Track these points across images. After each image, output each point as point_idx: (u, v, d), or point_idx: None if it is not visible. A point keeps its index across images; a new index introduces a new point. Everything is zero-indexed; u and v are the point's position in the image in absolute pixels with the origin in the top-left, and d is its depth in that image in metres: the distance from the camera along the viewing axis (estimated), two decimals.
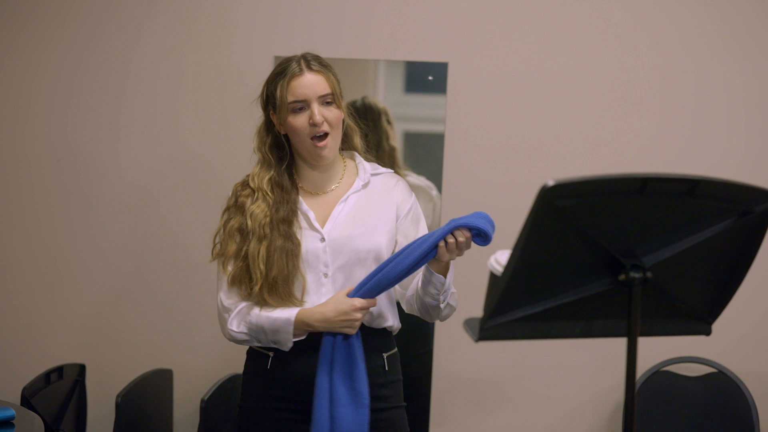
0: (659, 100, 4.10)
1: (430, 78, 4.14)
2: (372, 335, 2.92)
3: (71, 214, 4.27)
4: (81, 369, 4.12)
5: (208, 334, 4.21)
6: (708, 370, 4.03)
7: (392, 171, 3.10)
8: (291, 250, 2.87)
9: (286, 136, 2.97)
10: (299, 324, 2.82)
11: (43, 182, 4.27)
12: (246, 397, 3.00)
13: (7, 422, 2.83)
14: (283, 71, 2.95)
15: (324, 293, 2.89)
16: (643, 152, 4.10)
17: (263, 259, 2.84)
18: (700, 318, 2.04)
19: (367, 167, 3.03)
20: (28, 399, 3.68)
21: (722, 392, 3.99)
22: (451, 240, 2.71)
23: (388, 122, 4.14)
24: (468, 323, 2.02)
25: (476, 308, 2.04)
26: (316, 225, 2.91)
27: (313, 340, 2.85)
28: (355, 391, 2.80)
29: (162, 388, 4.14)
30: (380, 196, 2.99)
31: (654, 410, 4.01)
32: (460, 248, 2.73)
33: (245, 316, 2.88)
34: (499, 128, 4.14)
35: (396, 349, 3.01)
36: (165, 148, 4.25)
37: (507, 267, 1.84)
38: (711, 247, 1.91)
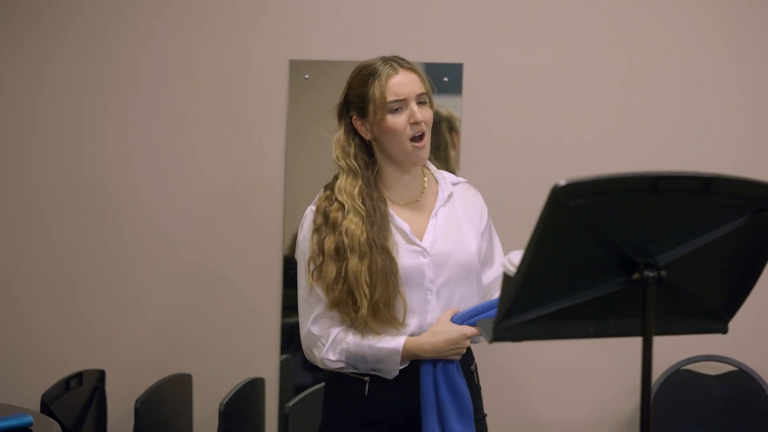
0: (668, 94, 4.10)
1: (446, 79, 4.13)
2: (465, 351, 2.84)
3: (88, 220, 4.28)
4: (100, 375, 4.14)
5: (227, 338, 4.22)
6: (729, 368, 4.01)
7: (466, 180, 3.02)
8: (391, 269, 2.73)
9: (373, 142, 2.84)
10: (406, 354, 2.72)
11: (61, 189, 4.29)
12: (333, 423, 2.87)
13: (26, 428, 2.83)
14: (374, 73, 2.80)
15: (430, 311, 2.78)
16: (658, 146, 4.08)
17: (366, 280, 2.70)
18: (716, 316, 2.02)
19: (446, 177, 2.95)
20: (47, 405, 3.69)
21: (743, 390, 3.97)
22: None
23: (452, 129, 4.11)
24: (482, 324, 2.02)
25: None
26: (415, 239, 2.79)
27: (412, 365, 2.76)
28: (460, 406, 2.74)
29: (181, 393, 4.14)
30: (464, 207, 2.91)
31: (674, 409, 3.99)
32: None
33: (340, 343, 2.76)
34: (515, 128, 4.13)
35: (475, 361, 2.93)
36: (181, 154, 4.25)
37: (520, 267, 1.83)
38: (725, 245, 1.89)
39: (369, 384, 2.79)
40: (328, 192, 2.84)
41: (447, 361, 2.75)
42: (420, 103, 2.79)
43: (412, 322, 2.77)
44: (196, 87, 4.26)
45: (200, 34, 4.26)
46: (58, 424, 2.99)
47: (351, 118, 2.84)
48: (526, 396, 4.13)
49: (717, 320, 2.03)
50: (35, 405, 3.72)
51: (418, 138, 2.78)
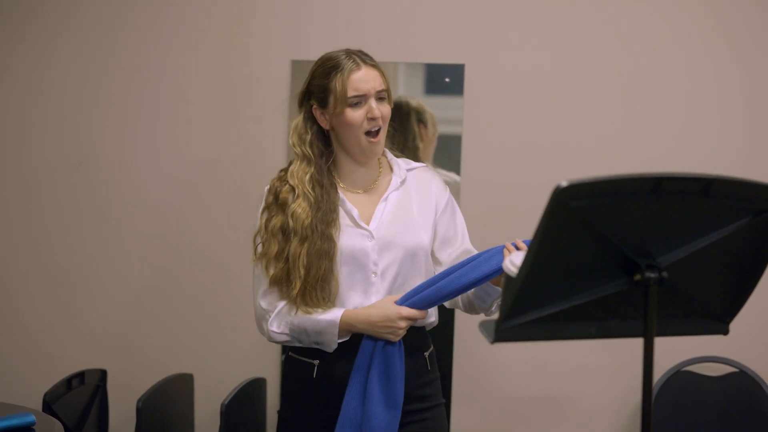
0: (668, 96, 4.10)
1: (447, 80, 4.14)
2: (413, 335, 2.87)
3: (89, 219, 4.29)
4: (102, 374, 4.14)
5: (228, 338, 4.22)
6: (729, 369, 4.01)
7: (425, 165, 3.10)
8: (327, 251, 2.82)
9: (330, 131, 2.92)
10: (344, 325, 2.79)
11: (62, 188, 4.30)
12: (288, 405, 2.96)
13: (28, 428, 2.84)
14: (337, 66, 2.88)
15: (374, 292, 2.85)
16: (658, 148, 4.09)
17: (303, 263, 2.79)
18: (717, 317, 2.03)
19: (400, 163, 3.02)
20: (49, 404, 3.70)
21: (744, 392, 3.97)
22: None
23: (420, 121, 4.13)
24: (484, 325, 2.02)
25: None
26: (362, 223, 2.87)
27: (356, 344, 2.82)
28: (390, 392, 2.77)
29: (182, 393, 4.15)
30: (418, 191, 2.98)
31: (675, 410, 3.99)
32: None
33: (285, 317, 2.84)
34: (516, 129, 4.14)
35: (432, 347, 2.99)
36: (183, 155, 4.26)
37: (522, 268, 1.84)
38: (726, 247, 1.90)
39: (317, 367, 2.86)
40: (282, 173, 2.95)
41: (388, 343, 2.79)
42: (379, 99, 2.88)
43: (354, 302, 2.85)
44: (197, 88, 4.26)
45: (202, 34, 4.26)
46: (60, 424, 3.00)
47: (311, 106, 2.92)
48: (526, 396, 4.14)
49: (718, 321, 2.04)
50: (37, 404, 3.72)
51: (373, 133, 2.86)
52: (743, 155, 4.06)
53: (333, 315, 2.80)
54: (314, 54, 4.15)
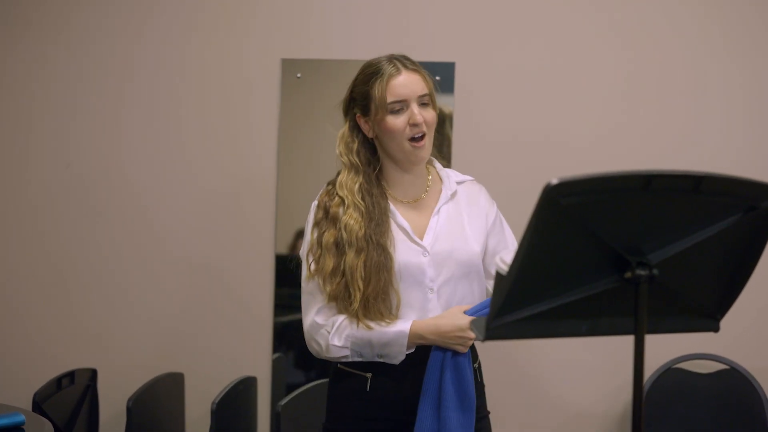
0: (661, 95, 4.10)
1: (438, 78, 4.13)
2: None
3: (80, 219, 4.28)
4: (92, 374, 4.14)
5: (219, 337, 4.22)
6: (720, 366, 4.01)
7: (473, 178, 3.01)
8: (385, 265, 2.74)
9: (375, 140, 2.85)
10: (413, 336, 2.73)
11: (53, 188, 4.29)
12: (336, 419, 2.88)
13: (18, 427, 2.83)
14: (377, 71, 2.80)
15: (431, 309, 2.78)
16: (650, 147, 4.09)
17: (361, 275, 2.71)
18: (707, 314, 2.03)
19: (450, 175, 2.94)
20: (39, 404, 3.69)
21: (734, 389, 3.98)
22: None
23: (451, 127, 4.12)
24: (475, 323, 2.02)
25: None
26: (416, 238, 2.80)
27: (416, 358, 2.76)
28: (464, 395, 2.73)
29: (173, 392, 4.14)
30: (468, 205, 2.91)
31: (666, 407, 4.00)
32: None
33: (345, 329, 2.76)
34: (506, 127, 4.14)
35: (479, 359, 2.94)
36: (173, 153, 4.26)
37: (512, 266, 1.83)
38: (717, 244, 1.90)
39: (371, 380, 2.79)
40: (330, 187, 2.86)
41: (457, 353, 2.74)
42: (422, 104, 2.79)
43: (415, 318, 2.77)
44: (187, 86, 4.26)
45: (192, 32, 4.26)
46: (50, 423, 2.99)
47: (355, 114, 2.85)
48: (516, 394, 4.14)
49: (709, 318, 2.04)
50: (27, 404, 3.72)
51: (417, 139, 2.78)
52: (743, 155, 4.06)
53: (401, 326, 2.73)
54: (304, 52, 4.20)
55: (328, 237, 2.78)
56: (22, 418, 2.84)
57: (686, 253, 1.89)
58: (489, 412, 2.96)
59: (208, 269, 4.25)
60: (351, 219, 2.75)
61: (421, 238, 2.81)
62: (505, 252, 1.86)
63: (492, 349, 3.96)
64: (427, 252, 2.79)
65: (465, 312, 2.73)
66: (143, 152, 4.27)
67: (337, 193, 2.82)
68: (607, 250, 1.86)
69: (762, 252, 1.97)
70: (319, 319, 2.79)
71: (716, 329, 2.06)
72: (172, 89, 4.26)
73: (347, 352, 2.77)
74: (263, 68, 4.20)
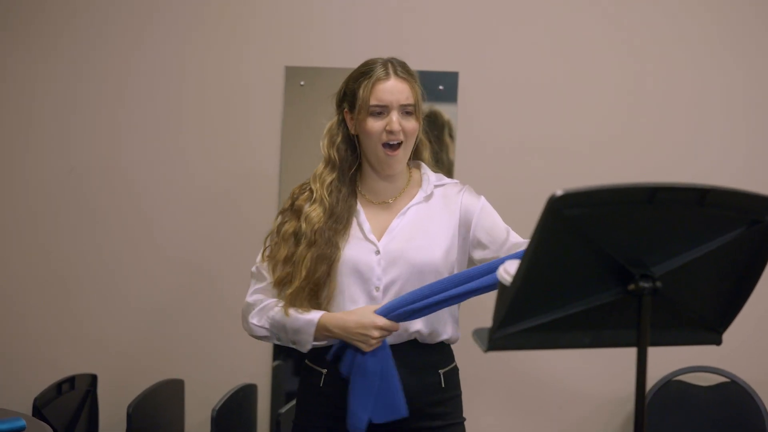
0: (664, 105, 4.11)
1: (441, 88, 4.14)
2: (427, 351, 2.84)
3: (81, 224, 4.28)
4: (93, 379, 4.13)
5: (220, 344, 4.21)
6: (720, 379, 4.01)
7: (457, 181, 3.01)
8: (329, 256, 2.79)
9: (357, 138, 2.89)
10: (320, 327, 2.77)
11: (55, 193, 4.29)
12: (299, 415, 2.93)
13: None
14: (368, 72, 2.84)
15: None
16: (653, 156, 4.09)
17: (306, 265, 2.78)
18: (710, 327, 2.03)
19: (431, 178, 2.95)
20: (39, 409, 3.68)
21: (735, 402, 3.97)
22: None
23: (450, 136, 4.12)
24: (477, 333, 2.02)
25: (487, 318, 2.03)
26: (371, 237, 2.84)
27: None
28: (365, 392, 2.73)
29: (173, 398, 4.14)
30: (442, 206, 2.90)
31: (666, 420, 3.99)
32: None
33: (268, 312, 2.84)
34: (509, 136, 4.14)
35: (455, 364, 2.92)
36: (175, 160, 4.26)
37: (516, 277, 1.84)
38: (721, 257, 1.90)
39: (324, 376, 2.85)
40: (306, 181, 2.96)
41: (362, 352, 2.74)
42: (405, 113, 2.82)
43: None
44: (190, 93, 4.26)
45: (195, 40, 4.26)
46: (50, 428, 3.00)
47: (344, 109, 2.90)
48: (518, 404, 4.13)
49: (711, 331, 2.04)
50: (27, 409, 3.71)
51: (392, 146, 2.81)
52: (746, 164, 4.06)
53: (312, 315, 2.78)
54: (308, 60, 4.20)
55: (288, 227, 2.86)
56: (22, 423, 2.85)
57: (690, 265, 1.89)
58: (464, 419, 2.93)
59: (209, 276, 4.25)
60: (313, 212, 2.83)
61: (379, 238, 2.84)
62: (509, 262, 1.86)
63: (492, 358, 3.96)
64: (378, 251, 2.82)
65: (377, 311, 2.74)
66: (145, 158, 4.27)
67: (309, 186, 2.91)
68: (610, 262, 1.86)
69: (765, 265, 1.97)
70: (251, 299, 2.89)
71: (718, 342, 2.06)
72: (174, 96, 4.26)
73: (267, 333, 2.86)
74: (266, 76, 4.20)
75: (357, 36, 4.18)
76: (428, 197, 2.91)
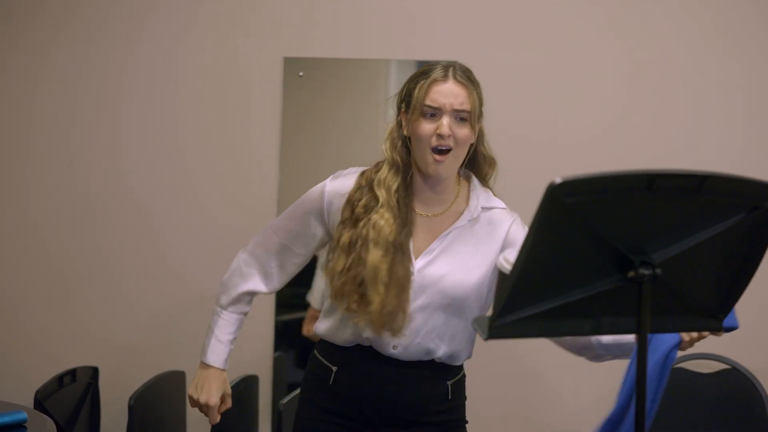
0: (666, 93, 4.10)
1: None
2: (441, 368, 2.78)
3: (82, 218, 4.28)
4: (94, 372, 4.13)
5: None
6: (722, 366, 4.01)
7: (506, 207, 2.84)
8: (404, 284, 2.66)
9: (410, 140, 2.73)
10: (201, 364, 2.98)
11: (54, 186, 4.29)
12: (304, 405, 2.89)
13: (20, 425, 2.83)
14: (427, 72, 2.71)
15: None
16: (654, 144, 4.09)
17: (384, 279, 2.63)
18: (710, 314, 2.03)
19: (481, 197, 2.79)
20: (41, 402, 3.69)
21: (736, 389, 3.98)
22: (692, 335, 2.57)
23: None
24: (478, 322, 2.02)
25: None
26: (411, 255, 2.71)
27: (381, 360, 2.74)
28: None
29: (175, 390, 4.14)
30: (486, 233, 2.76)
31: (667, 407, 3.99)
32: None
33: (230, 306, 2.98)
34: (509, 127, 4.13)
35: (463, 373, 2.86)
36: (173, 152, 4.26)
37: (515, 265, 1.83)
38: (721, 243, 1.90)
39: (335, 373, 2.80)
40: (363, 182, 2.77)
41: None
42: (460, 119, 2.70)
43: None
44: (188, 85, 4.26)
45: (193, 31, 4.26)
46: (51, 421, 2.99)
47: (401, 110, 2.78)
48: (516, 393, 4.14)
49: (711, 318, 2.04)
50: (29, 402, 3.71)
51: (441, 151, 2.67)
52: (743, 153, 4.06)
53: (207, 356, 2.99)
54: (306, 51, 4.20)
55: (346, 237, 2.70)
56: (24, 415, 2.85)
57: (689, 252, 1.89)
58: (467, 422, 2.90)
59: (209, 267, 4.24)
60: (382, 219, 2.67)
61: (417, 257, 2.72)
62: (509, 250, 1.86)
63: (490, 347, 3.96)
64: (413, 272, 2.70)
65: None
66: (143, 152, 4.27)
67: (371, 191, 2.73)
68: (610, 250, 1.86)
69: (765, 252, 1.97)
70: (241, 258, 2.98)
71: (719, 328, 2.06)
72: (172, 88, 4.26)
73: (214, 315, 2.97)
74: (265, 67, 4.20)
75: (356, 26, 4.18)
76: (474, 219, 2.77)
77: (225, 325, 2.95)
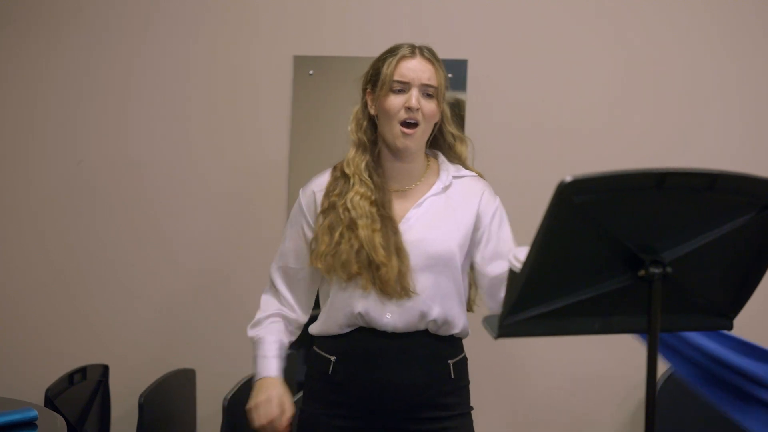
0: (664, 93, 4.09)
1: (450, 75, 4.12)
2: (438, 342, 2.82)
3: (91, 216, 4.29)
4: (104, 369, 4.14)
5: (230, 333, 4.22)
6: None
7: (476, 174, 2.96)
8: (400, 246, 2.77)
9: (377, 119, 2.84)
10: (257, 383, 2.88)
11: (63, 185, 4.30)
12: (307, 401, 2.93)
13: (30, 423, 2.84)
14: (394, 50, 2.83)
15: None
16: (664, 141, 4.08)
17: (382, 245, 2.74)
18: (721, 313, 2.03)
19: (450, 169, 2.90)
20: (51, 400, 3.70)
21: None
22: None
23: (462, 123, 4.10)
24: (488, 320, 2.02)
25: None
26: (395, 221, 2.81)
27: (383, 349, 2.79)
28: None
29: (185, 388, 4.15)
30: (461, 200, 2.86)
31: (677, 406, 3.98)
32: None
33: (260, 329, 2.95)
34: (519, 125, 4.13)
35: (464, 354, 2.91)
36: (183, 151, 4.27)
37: (526, 264, 1.83)
38: (731, 242, 1.90)
39: (333, 363, 2.84)
40: (337, 173, 2.88)
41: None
42: (426, 94, 2.79)
43: (369, 303, 2.79)
44: (199, 84, 4.26)
45: (203, 30, 4.26)
46: (62, 419, 2.99)
47: (366, 90, 2.88)
48: (526, 392, 4.13)
49: (722, 317, 2.04)
50: (39, 400, 3.72)
51: (409, 124, 2.77)
52: (744, 151, 4.06)
53: (259, 370, 2.90)
54: (317, 49, 4.19)
55: (326, 222, 2.82)
56: (34, 413, 2.85)
57: (700, 251, 1.89)
58: (470, 410, 2.92)
59: (219, 266, 4.25)
60: (357, 195, 2.79)
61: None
62: (519, 249, 1.86)
63: (500, 345, 3.96)
64: None
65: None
66: (153, 150, 4.27)
67: (343, 176, 2.85)
68: (620, 248, 1.86)
69: None
70: (262, 301, 3.00)
71: (729, 327, 2.06)
72: (182, 87, 4.26)
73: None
74: (275, 65, 4.20)
75: (366, 25, 4.18)
76: (446, 188, 2.87)
77: (260, 345, 2.94)
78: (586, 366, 4.12)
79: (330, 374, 2.84)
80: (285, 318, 2.96)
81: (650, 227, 1.86)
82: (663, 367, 3.96)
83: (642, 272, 1.86)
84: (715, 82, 4.07)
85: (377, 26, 4.16)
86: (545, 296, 1.90)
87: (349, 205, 2.78)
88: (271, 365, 2.87)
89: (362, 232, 2.75)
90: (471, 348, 3.90)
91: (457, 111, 4.00)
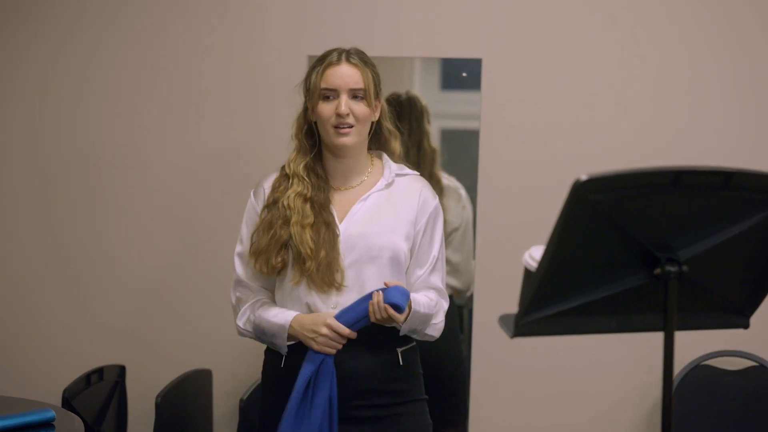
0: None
1: (464, 74, 4.13)
2: (385, 331, 2.91)
3: (108, 216, 4.29)
4: (121, 370, 4.15)
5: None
6: (749, 363, 3.99)
7: (418, 174, 3.11)
8: (332, 240, 2.89)
9: (316, 124, 3.00)
10: (292, 332, 2.88)
11: (79, 185, 4.30)
12: (264, 397, 3.05)
13: (48, 423, 2.85)
14: (322, 58, 2.99)
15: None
16: (682, 139, 4.07)
17: (311, 239, 2.87)
18: (737, 311, 2.03)
19: (393, 167, 3.04)
20: (69, 400, 3.71)
21: (764, 386, 3.95)
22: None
23: (428, 122, 4.12)
24: (503, 319, 2.02)
25: (512, 305, 2.03)
26: (334, 217, 2.94)
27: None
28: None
29: (201, 389, 4.16)
30: (403, 197, 3.00)
31: (694, 405, 3.98)
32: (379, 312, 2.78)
33: (253, 313, 2.98)
34: (534, 123, 4.12)
35: (414, 344, 3.00)
36: (197, 151, 4.26)
37: (541, 262, 1.83)
38: (747, 240, 1.89)
39: (285, 357, 2.94)
40: (284, 172, 3.03)
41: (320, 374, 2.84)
42: (355, 97, 2.92)
43: (315, 297, 2.91)
44: (212, 83, 4.26)
45: (216, 29, 4.26)
46: (79, 419, 3.01)
47: (306, 98, 3.02)
48: (542, 391, 4.13)
49: (738, 315, 2.04)
50: (56, 400, 3.73)
51: (341, 127, 2.91)
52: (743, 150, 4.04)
53: (284, 320, 2.89)
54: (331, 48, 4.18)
55: (268, 218, 2.96)
56: (52, 414, 2.86)
57: (716, 249, 1.89)
58: (423, 398, 3.01)
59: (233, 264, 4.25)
60: (293, 193, 2.92)
61: (340, 222, 2.94)
62: (535, 248, 1.86)
63: (514, 344, 3.96)
64: (339, 234, 2.92)
65: (335, 316, 2.85)
66: (166, 151, 4.28)
67: (284, 172, 3.01)
68: (636, 247, 1.86)
69: None
70: (233, 294, 3.10)
71: (746, 326, 2.06)
72: (195, 87, 4.27)
73: (252, 336, 3.01)
74: (289, 65, 4.20)
75: (380, 24, 4.17)
76: (389, 185, 3.00)
77: (263, 315, 2.97)
78: (602, 366, 4.11)
79: (282, 367, 2.95)
80: (267, 298, 3.05)
81: (666, 225, 1.86)
82: (679, 364, 3.96)
83: (658, 270, 1.86)
84: (715, 82, 4.05)
85: (390, 26, 4.16)
86: (561, 295, 1.90)
87: (285, 202, 2.92)
88: (286, 313, 2.92)
89: (293, 228, 2.88)
90: (486, 346, 3.92)
91: (395, 106, 3.99)
